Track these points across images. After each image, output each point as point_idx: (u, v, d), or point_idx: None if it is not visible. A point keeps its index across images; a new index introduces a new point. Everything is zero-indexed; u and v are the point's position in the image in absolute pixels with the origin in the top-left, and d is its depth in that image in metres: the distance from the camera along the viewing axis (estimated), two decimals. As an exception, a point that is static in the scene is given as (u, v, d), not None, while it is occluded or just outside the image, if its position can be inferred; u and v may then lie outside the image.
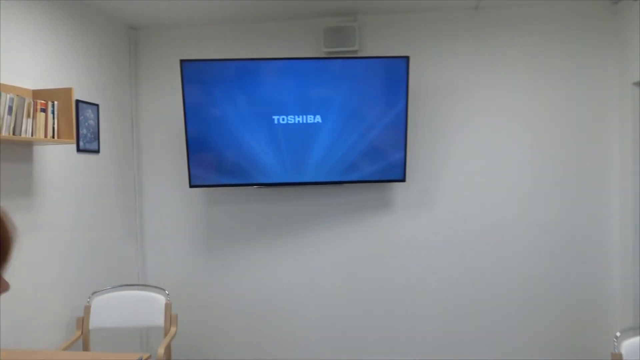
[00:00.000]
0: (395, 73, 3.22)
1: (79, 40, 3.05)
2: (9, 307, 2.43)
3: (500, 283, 3.43)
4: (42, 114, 2.43)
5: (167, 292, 3.04)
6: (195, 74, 3.22)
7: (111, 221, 3.36)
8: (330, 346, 3.58)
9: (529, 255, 3.40)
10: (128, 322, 2.98)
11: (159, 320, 2.96)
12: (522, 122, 3.38)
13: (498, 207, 3.42)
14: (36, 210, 2.66)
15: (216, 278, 3.66)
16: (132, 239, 3.62)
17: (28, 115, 2.34)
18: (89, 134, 3.10)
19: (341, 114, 3.26)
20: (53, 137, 2.50)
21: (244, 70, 3.23)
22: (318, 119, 3.27)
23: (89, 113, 3.10)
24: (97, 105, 3.19)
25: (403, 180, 3.31)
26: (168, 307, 2.97)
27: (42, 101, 2.44)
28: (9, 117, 2.24)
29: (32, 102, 2.38)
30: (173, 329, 2.92)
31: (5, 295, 0.87)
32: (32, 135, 2.36)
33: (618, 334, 2.18)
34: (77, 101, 2.98)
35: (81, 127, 3.03)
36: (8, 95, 2.24)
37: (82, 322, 2.88)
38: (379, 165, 3.31)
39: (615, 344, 2.13)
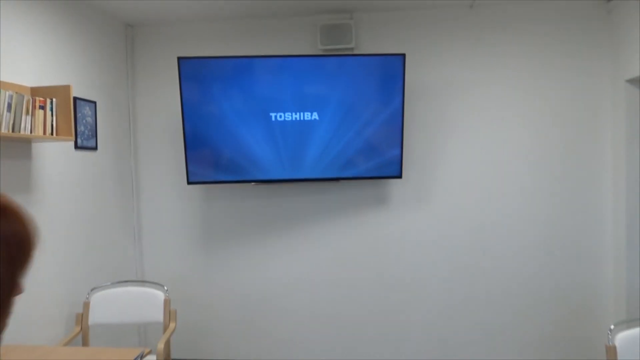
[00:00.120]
0: (391, 70, 3.24)
1: (77, 38, 3.06)
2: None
3: (495, 278, 3.47)
4: (41, 111, 2.44)
5: (165, 288, 3.05)
6: (193, 71, 3.23)
7: (109, 217, 3.37)
8: (327, 340, 3.61)
9: (523, 251, 3.44)
10: (127, 318, 2.99)
11: (158, 315, 2.98)
12: (516, 119, 3.42)
13: (493, 203, 3.46)
14: (34, 207, 2.67)
15: (214, 274, 3.68)
16: (130, 235, 3.63)
17: (27, 112, 2.35)
18: (86, 131, 3.11)
19: (338, 111, 3.28)
20: (52, 134, 2.51)
21: (241, 68, 3.24)
22: (315, 116, 3.29)
23: (86, 110, 3.11)
24: (94, 102, 3.20)
25: (399, 176, 3.34)
26: (167, 302, 2.98)
27: (41, 98, 2.45)
28: (8, 114, 2.25)
29: (31, 99, 2.39)
30: (172, 325, 2.94)
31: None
32: (31, 132, 2.37)
33: (612, 326, 2.21)
34: (75, 98, 2.98)
35: (79, 124, 3.03)
36: (7, 93, 2.25)
37: (82, 318, 2.89)
38: (376, 161, 3.33)
39: (609, 336, 2.17)
